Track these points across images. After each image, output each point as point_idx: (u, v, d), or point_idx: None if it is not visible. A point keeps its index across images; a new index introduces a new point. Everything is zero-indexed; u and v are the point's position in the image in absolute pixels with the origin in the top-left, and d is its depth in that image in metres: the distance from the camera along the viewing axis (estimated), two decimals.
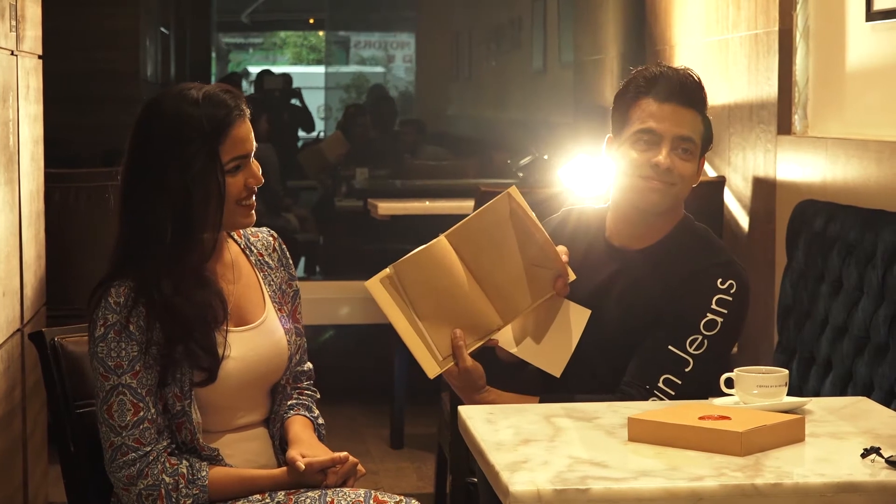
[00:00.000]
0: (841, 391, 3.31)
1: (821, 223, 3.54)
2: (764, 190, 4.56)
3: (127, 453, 2.50)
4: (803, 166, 4.23)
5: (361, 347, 6.83)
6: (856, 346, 3.29)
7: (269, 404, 2.71)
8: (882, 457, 2.16)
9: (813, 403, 2.59)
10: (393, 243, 6.32)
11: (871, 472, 2.13)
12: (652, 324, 2.81)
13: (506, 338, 2.82)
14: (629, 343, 2.83)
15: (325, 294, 6.13)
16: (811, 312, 3.51)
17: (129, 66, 8.29)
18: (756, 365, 2.60)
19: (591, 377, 2.84)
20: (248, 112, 2.59)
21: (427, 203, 6.38)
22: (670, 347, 2.79)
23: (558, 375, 2.83)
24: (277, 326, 2.68)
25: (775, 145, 4.46)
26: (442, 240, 2.77)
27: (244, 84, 12.33)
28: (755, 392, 2.50)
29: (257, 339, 2.64)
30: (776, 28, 4.45)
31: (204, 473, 2.53)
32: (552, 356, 2.83)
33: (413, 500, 2.55)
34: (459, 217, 2.86)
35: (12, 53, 3.85)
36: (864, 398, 2.71)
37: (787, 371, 2.53)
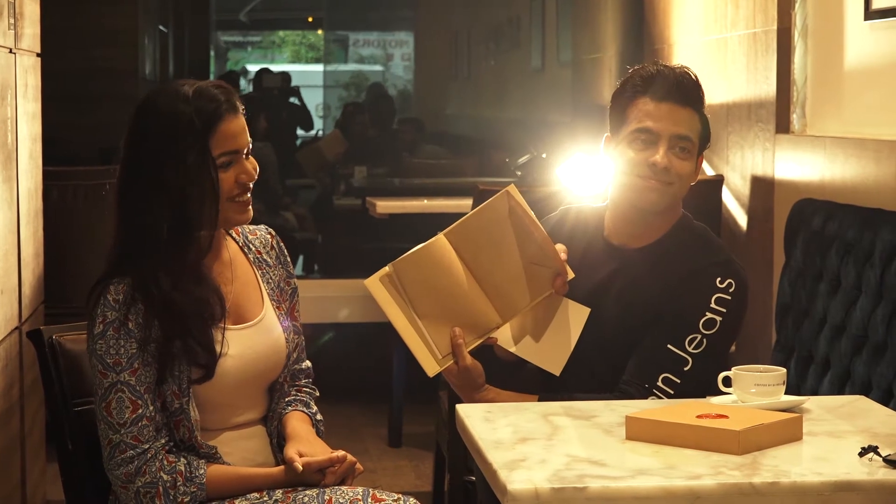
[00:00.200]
0: (839, 390, 3.31)
1: (819, 222, 3.54)
2: (762, 189, 4.56)
3: (125, 451, 2.50)
4: (802, 165, 4.23)
5: (360, 346, 6.82)
6: (854, 345, 3.29)
7: (268, 402, 2.71)
8: (880, 455, 2.17)
9: (811, 402, 2.59)
10: (391, 242, 6.32)
11: (869, 471, 2.13)
12: (651, 323, 2.81)
13: (505, 336, 2.82)
14: (628, 342, 2.83)
15: (324, 293, 6.13)
16: (809, 311, 3.51)
17: (127, 64, 8.28)
18: (754, 364, 2.61)
19: (589, 376, 2.84)
20: (240, 108, 2.58)
21: (425, 201, 6.38)
22: (669, 346, 2.79)
23: (558, 374, 2.83)
24: (275, 324, 2.68)
25: (773, 144, 4.46)
26: (441, 238, 2.77)
27: (243, 82, 12.32)
28: (753, 391, 2.50)
29: (255, 336, 2.64)
30: (774, 27, 4.45)
31: (202, 471, 2.53)
32: (551, 354, 2.83)
33: (411, 499, 2.54)
34: (458, 216, 2.86)
35: (11, 51, 3.85)
36: (862, 397, 2.71)
37: (784, 370, 2.53)
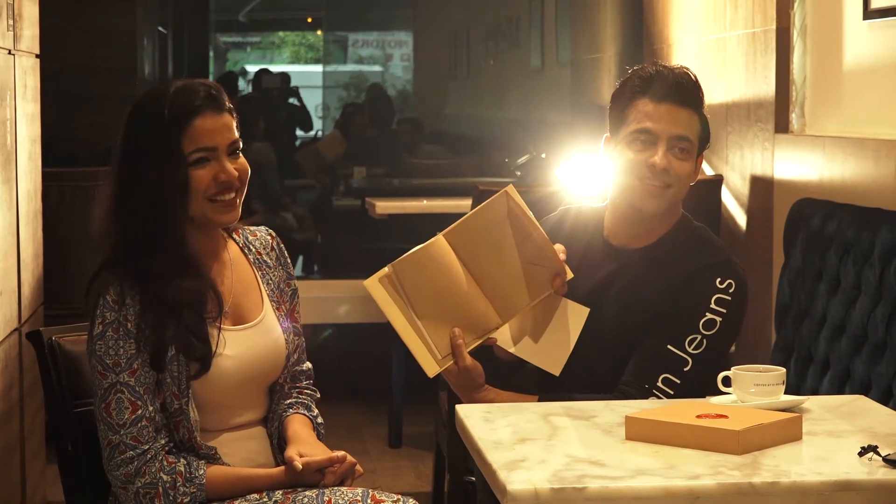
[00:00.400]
0: (839, 389, 3.31)
1: (818, 222, 3.54)
2: (762, 188, 4.56)
3: (125, 451, 2.50)
4: (801, 165, 4.23)
5: (359, 346, 6.83)
6: (853, 345, 3.29)
7: (268, 403, 2.71)
8: (879, 455, 2.17)
9: (810, 402, 2.59)
10: (391, 242, 6.32)
11: (869, 471, 2.13)
12: (650, 323, 2.81)
13: (504, 337, 2.82)
14: (627, 342, 2.83)
15: (323, 293, 6.13)
16: (809, 311, 3.51)
17: (126, 65, 8.28)
18: (754, 363, 2.61)
19: (589, 376, 2.84)
20: (226, 106, 2.57)
21: (425, 202, 6.38)
22: (669, 347, 2.79)
23: (557, 374, 2.83)
24: (275, 325, 2.68)
25: (773, 144, 4.46)
26: (440, 239, 2.77)
27: (242, 83, 12.32)
28: (752, 390, 2.50)
29: (255, 337, 2.64)
30: (773, 26, 4.45)
31: (202, 472, 2.53)
32: (551, 355, 2.83)
33: (411, 500, 2.54)
34: (457, 216, 2.86)
35: (10, 52, 3.85)
36: (862, 396, 2.71)
37: (784, 370, 2.53)
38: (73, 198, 5.22)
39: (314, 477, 2.56)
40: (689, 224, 2.93)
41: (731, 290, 2.81)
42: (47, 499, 4.45)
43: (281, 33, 16.19)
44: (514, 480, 2.08)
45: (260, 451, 2.67)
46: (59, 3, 6.65)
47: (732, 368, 2.55)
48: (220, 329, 2.57)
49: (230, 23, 15.25)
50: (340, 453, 2.59)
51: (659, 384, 2.77)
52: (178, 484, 2.50)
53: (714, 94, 4.96)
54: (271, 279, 2.72)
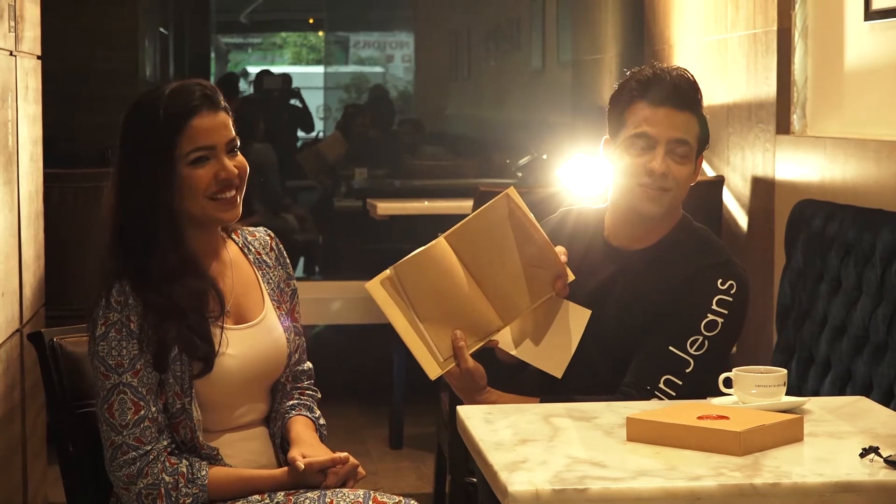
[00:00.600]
0: (840, 391, 3.31)
1: (819, 223, 3.54)
2: (763, 189, 4.57)
3: (127, 452, 2.50)
4: (802, 166, 4.23)
5: (360, 347, 6.83)
6: (855, 346, 3.29)
7: (270, 403, 2.71)
8: (881, 456, 2.17)
9: (812, 403, 2.59)
10: (392, 243, 6.32)
11: (870, 472, 2.13)
12: (651, 324, 2.81)
13: (505, 339, 2.82)
14: (629, 343, 2.83)
15: (325, 294, 6.14)
16: (810, 312, 3.51)
17: (127, 66, 8.28)
18: (755, 364, 2.61)
19: (591, 377, 2.84)
20: (222, 105, 2.58)
21: (426, 203, 6.38)
22: (671, 348, 2.79)
23: (559, 376, 2.83)
24: (276, 324, 2.69)
25: (774, 145, 4.46)
26: (441, 241, 2.77)
27: (243, 84, 12.32)
28: (754, 392, 2.50)
29: (257, 336, 2.64)
30: (775, 27, 4.45)
31: (204, 473, 2.53)
32: (553, 357, 2.83)
33: (412, 501, 2.55)
34: (458, 217, 2.86)
35: (11, 54, 3.85)
36: (863, 398, 2.71)
37: (785, 371, 2.53)
38: (74, 199, 5.23)
39: (316, 478, 2.56)
40: (690, 225, 2.93)
41: (732, 291, 2.81)
42: (49, 500, 4.45)
43: (282, 34, 16.19)
44: (516, 481, 2.09)
45: (262, 452, 2.67)
46: (61, 4, 6.65)
47: (734, 369, 2.55)
48: (222, 328, 2.58)
49: (231, 24, 15.25)
50: (343, 454, 2.59)
51: (660, 385, 2.77)
52: (181, 485, 2.51)
53: (715, 95, 4.96)
54: (271, 279, 2.73)
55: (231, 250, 2.70)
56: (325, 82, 15.17)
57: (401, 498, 2.54)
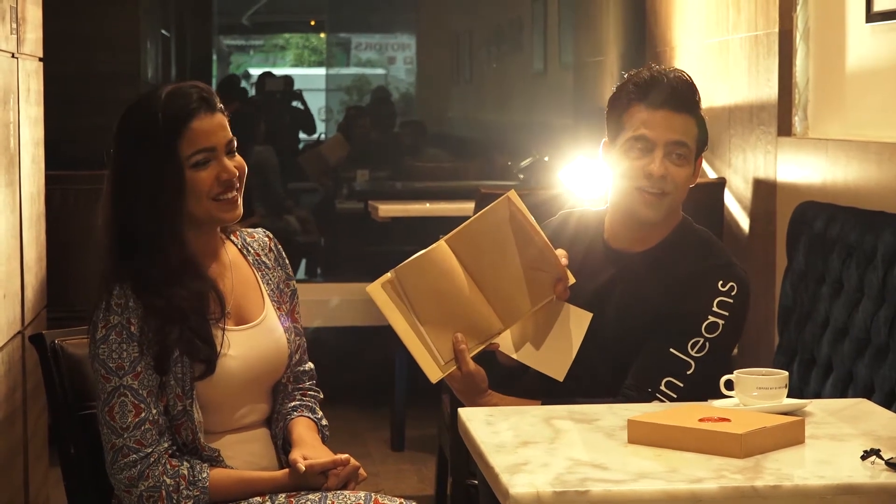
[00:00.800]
0: (841, 393, 3.31)
1: (821, 225, 3.54)
2: (764, 191, 4.56)
3: (128, 455, 2.50)
4: (803, 168, 4.23)
5: (362, 349, 6.83)
6: (856, 348, 3.29)
7: (271, 404, 2.71)
8: (882, 459, 2.16)
9: (813, 405, 2.59)
10: (393, 245, 6.32)
11: (872, 475, 2.13)
12: (652, 326, 2.81)
13: (506, 343, 2.82)
14: (630, 345, 2.82)
15: (326, 296, 6.14)
16: (812, 314, 3.51)
17: (129, 68, 8.28)
18: (756, 367, 2.60)
19: (591, 380, 2.84)
20: (217, 106, 2.58)
21: (427, 205, 6.38)
22: (672, 350, 2.79)
23: (561, 379, 2.83)
24: (277, 325, 2.69)
25: (775, 147, 4.46)
26: (442, 244, 2.77)
27: (244, 85, 12.33)
28: (755, 394, 2.50)
29: (257, 337, 2.64)
30: (776, 29, 4.45)
31: (205, 475, 2.53)
32: (554, 360, 2.83)
33: (413, 503, 2.55)
34: (460, 219, 2.86)
35: (13, 56, 3.85)
36: (865, 400, 2.71)
37: (786, 373, 2.53)
38: (76, 201, 5.23)
39: (318, 480, 2.56)
40: (690, 227, 2.93)
41: (733, 293, 2.81)
42: (50, 502, 4.45)
43: (284, 36, 16.20)
44: (517, 484, 2.08)
45: (263, 454, 2.67)
46: (63, 6, 6.66)
47: (735, 372, 2.55)
48: (223, 329, 2.58)
49: (233, 26, 15.27)
50: (344, 456, 2.59)
51: (662, 388, 2.77)
52: (182, 487, 2.51)
53: (716, 97, 4.96)
54: (271, 279, 2.73)
55: (230, 251, 2.70)
56: (327, 84, 15.19)
57: (402, 500, 2.54)
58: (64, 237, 4.97)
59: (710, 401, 2.60)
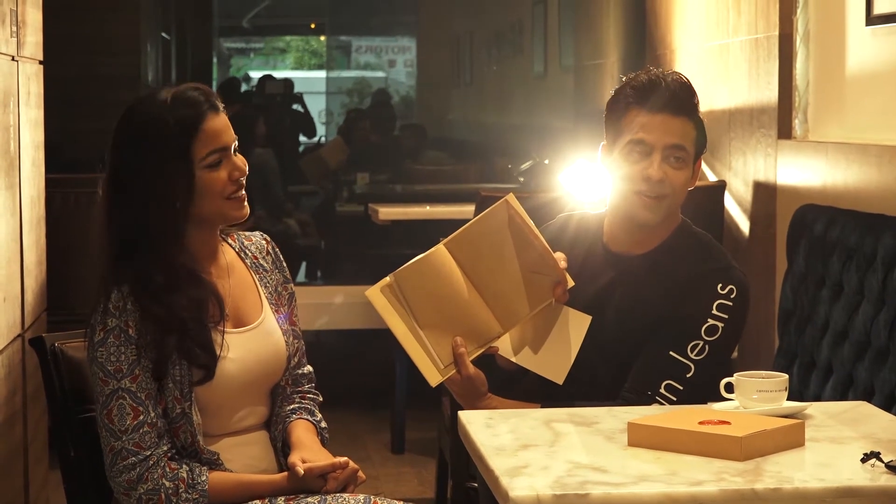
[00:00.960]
0: (841, 396, 3.31)
1: (821, 228, 3.54)
2: (764, 194, 4.56)
3: (127, 458, 2.50)
4: (804, 171, 4.23)
5: (362, 352, 6.83)
6: (856, 351, 3.29)
7: (270, 406, 2.71)
8: (882, 461, 2.16)
9: (813, 408, 2.59)
10: (394, 248, 6.33)
11: (872, 477, 2.13)
12: (652, 329, 2.81)
13: (505, 346, 2.82)
14: (629, 348, 2.82)
15: (326, 299, 6.13)
16: (812, 317, 3.51)
17: (129, 71, 8.29)
18: (756, 370, 2.60)
19: (590, 383, 2.84)
20: (220, 106, 2.59)
21: (428, 208, 6.38)
22: (671, 353, 2.79)
23: (561, 382, 2.82)
24: (275, 327, 2.69)
25: (776, 150, 4.46)
26: (441, 247, 2.77)
27: (245, 88, 12.33)
28: (755, 397, 2.50)
29: (256, 339, 2.64)
30: (776, 32, 4.45)
31: (204, 478, 2.53)
32: (553, 363, 2.82)
33: None
34: (460, 222, 2.86)
35: (13, 59, 3.85)
36: (865, 403, 2.71)
37: (786, 376, 2.53)
38: (76, 204, 5.23)
39: (317, 483, 2.56)
40: (690, 230, 2.93)
41: (732, 296, 2.81)
42: None
43: (284, 39, 16.21)
44: (517, 487, 2.08)
45: (262, 457, 2.67)
46: (63, 9, 6.66)
47: (735, 374, 2.55)
48: (223, 333, 2.58)
49: (234, 28, 15.28)
50: (343, 459, 2.59)
51: (661, 391, 2.77)
52: (181, 490, 2.51)
53: (717, 99, 4.96)
54: (269, 282, 2.73)
55: (228, 254, 2.70)
56: (327, 87, 15.20)
57: (402, 503, 2.54)
58: (64, 240, 4.97)
59: (709, 403, 2.60)
